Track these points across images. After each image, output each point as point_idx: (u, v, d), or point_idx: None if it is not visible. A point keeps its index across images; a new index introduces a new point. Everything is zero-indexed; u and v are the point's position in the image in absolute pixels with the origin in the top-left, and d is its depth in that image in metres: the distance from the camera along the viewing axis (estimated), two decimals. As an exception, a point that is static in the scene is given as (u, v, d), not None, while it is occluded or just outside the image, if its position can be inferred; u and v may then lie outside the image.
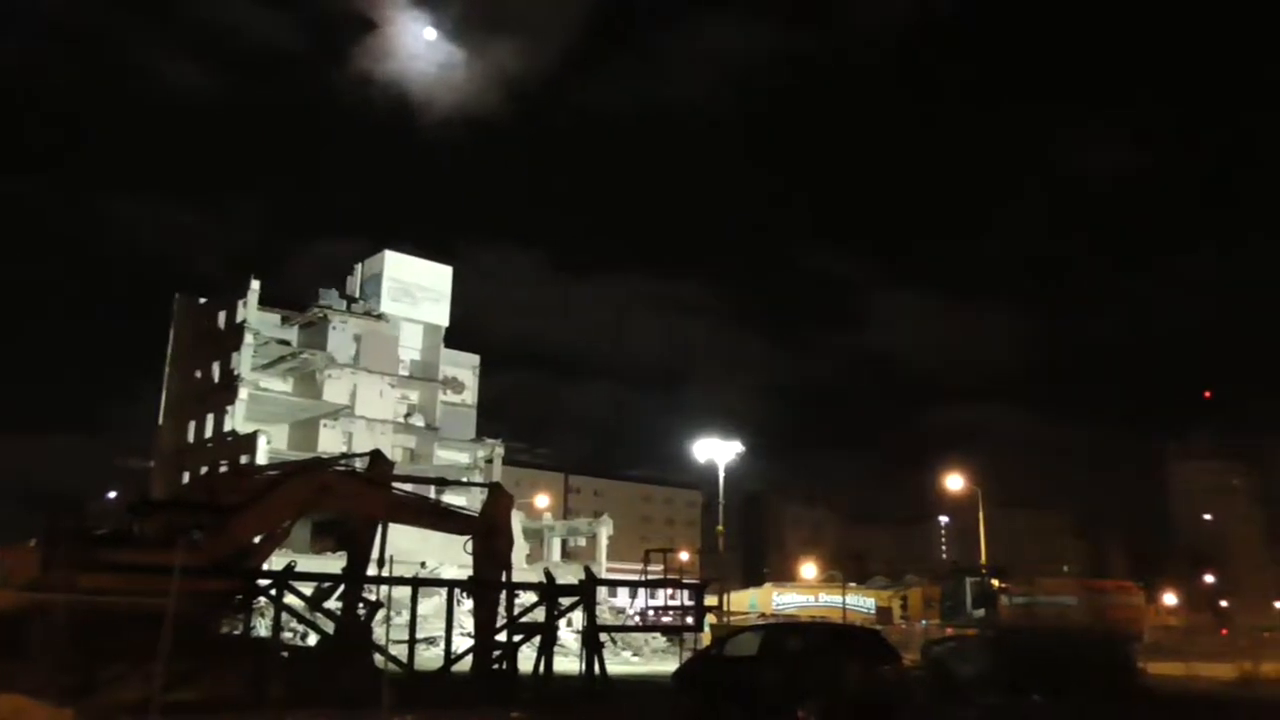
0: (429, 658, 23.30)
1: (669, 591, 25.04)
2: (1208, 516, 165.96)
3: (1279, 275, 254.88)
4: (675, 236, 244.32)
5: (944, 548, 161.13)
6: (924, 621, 39.96)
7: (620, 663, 32.90)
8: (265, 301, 57.58)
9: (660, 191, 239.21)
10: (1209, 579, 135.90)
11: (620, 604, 50.12)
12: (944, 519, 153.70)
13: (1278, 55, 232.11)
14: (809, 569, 75.76)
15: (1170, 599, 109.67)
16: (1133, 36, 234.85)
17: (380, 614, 19.26)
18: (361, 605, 19.38)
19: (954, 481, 55.42)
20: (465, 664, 19.56)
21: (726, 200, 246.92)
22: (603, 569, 54.06)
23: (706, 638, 27.77)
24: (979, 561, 49.71)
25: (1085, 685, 22.76)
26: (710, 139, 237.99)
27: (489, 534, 20.06)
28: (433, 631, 24.80)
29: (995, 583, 38.98)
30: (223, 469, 46.82)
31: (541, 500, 75.88)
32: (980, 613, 37.85)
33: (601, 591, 44.49)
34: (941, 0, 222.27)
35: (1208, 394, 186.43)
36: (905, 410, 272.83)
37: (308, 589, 18.45)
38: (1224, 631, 66.17)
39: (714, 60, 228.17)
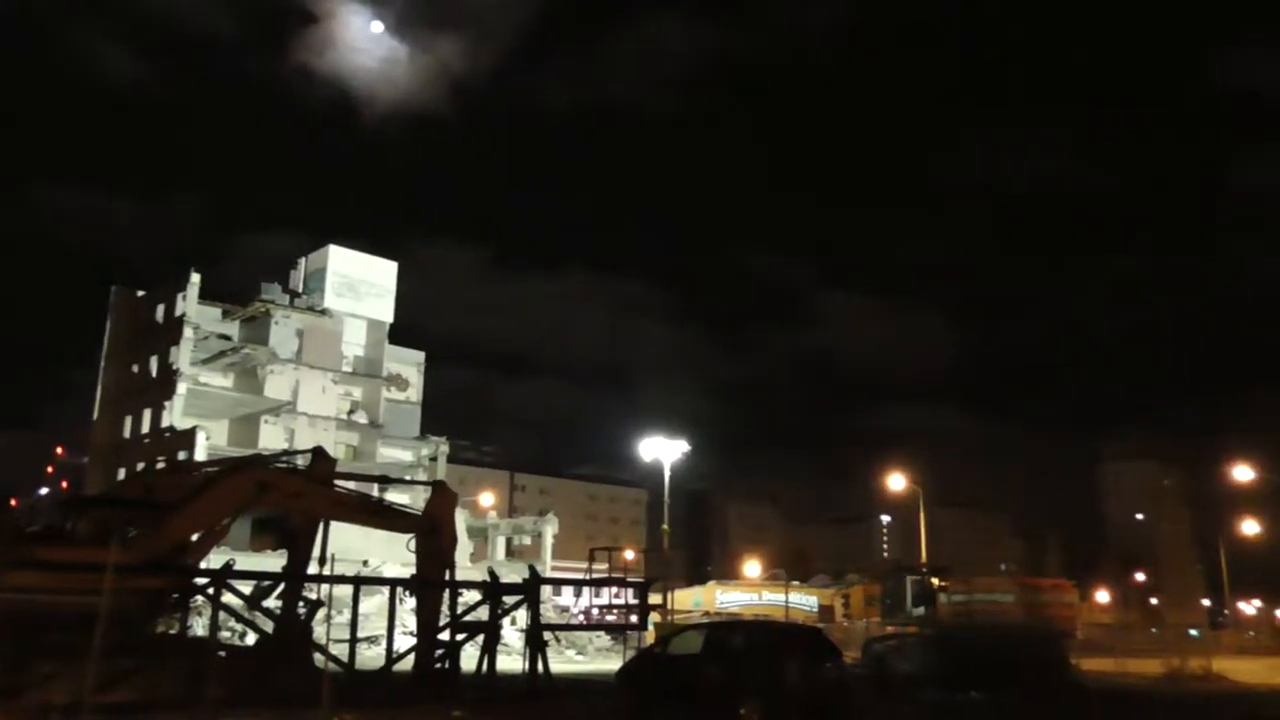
0: (370, 657, 23.06)
1: (614, 590, 25.03)
2: (1140, 516, 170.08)
3: (1208, 280, 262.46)
4: (621, 236, 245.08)
5: (885, 546, 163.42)
6: (865, 620, 40.39)
7: (564, 661, 32.87)
8: (205, 295, 56.54)
9: (605, 190, 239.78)
10: (1140, 577, 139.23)
11: (565, 603, 50.12)
12: (885, 518, 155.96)
13: (1204, 63, 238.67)
14: (753, 567, 76.23)
15: (1103, 597, 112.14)
16: (1065, 43, 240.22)
17: (321, 613, 19.04)
18: (302, 604, 19.13)
19: (895, 481, 56.03)
20: (407, 663, 19.38)
21: (671, 200, 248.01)
22: (548, 568, 53.95)
23: (650, 636, 27.83)
24: (919, 560, 50.38)
25: (1021, 681, 23.20)
26: (655, 138, 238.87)
27: (432, 532, 19.91)
28: (375, 630, 24.55)
29: (935, 581, 39.52)
30: (160, 465, 45.90)
31: (486, 499, 75.54)
32: (920, 611, 38.36)
33: (546, 590, 44.47)
34: (880, 6, 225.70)
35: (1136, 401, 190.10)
36: (847, 410, 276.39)
37: (247, 587, 18.15)
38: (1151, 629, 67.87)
39: (658, 60, 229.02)
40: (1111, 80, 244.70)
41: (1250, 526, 69.60)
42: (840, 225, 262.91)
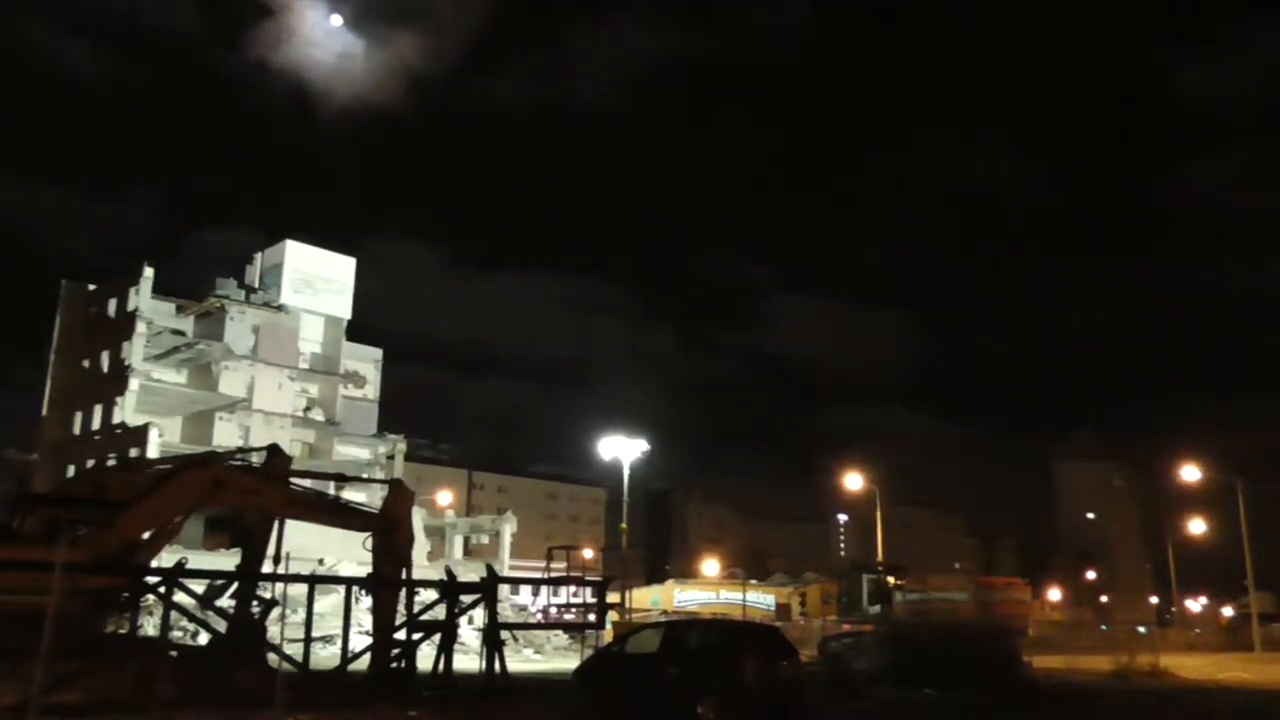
0: (326, 656, 22.86)
1: (572, 589, 25.03)
2: (1091, 515, 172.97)
3: (1158, 283, 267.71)
4: (581, 235, 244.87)
5: (843, 545, 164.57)
6: (822, 618, 40.70)
7: (522, 660, 32.79)
8: (159, 290, 55.70)
9: (566, 189, 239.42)
10: (1091, 575, 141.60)
11: (523, 601, 49.97)
12: (843, 517, 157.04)
13: (1153, 70, 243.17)
14: (711, 566, 76.51)
15: (1055, 595, 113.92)
16: (1018, 47, 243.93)
17: (275, 612, 18.82)
18: (256, 603, 18.91)
19: (853, 481, 56.54)
20: (363, 663, 19.24)
21: (631, 200, 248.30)
22: (506, 567, 53.82)
23: (609, 635, 27.86)
24: (876, 559, 50.94)
25: (974, 678, 23.52)
26: (615, 138, 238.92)
27: (389, 531, 19.76)
28: (330, 630, 24.35)
29: (891, 580, 40.05)
30: (111, 463, 45.19)
31: (444, 497, 75.14)
32: (876, 609, 38.86)
33: (504, 589, 44.31)
34: (837, 8, 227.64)
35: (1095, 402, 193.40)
36: (806, 410, 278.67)
37: (199, 586, 17.91)
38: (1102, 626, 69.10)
39: (618, 59, 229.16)
40: (1063, 85, 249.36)
41: (1197, 526, 71.02)
42: (799, 226, 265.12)
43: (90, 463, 49.29)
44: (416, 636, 19.88)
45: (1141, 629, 69.29)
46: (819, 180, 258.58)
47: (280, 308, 60.55)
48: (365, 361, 66.14)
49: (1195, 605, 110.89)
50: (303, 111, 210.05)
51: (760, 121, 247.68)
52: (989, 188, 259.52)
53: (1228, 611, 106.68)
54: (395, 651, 19.35)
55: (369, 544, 19.79)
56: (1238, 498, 55.80)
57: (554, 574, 25.29)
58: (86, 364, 57.02)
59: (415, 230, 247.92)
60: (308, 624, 19.33)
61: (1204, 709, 23.77)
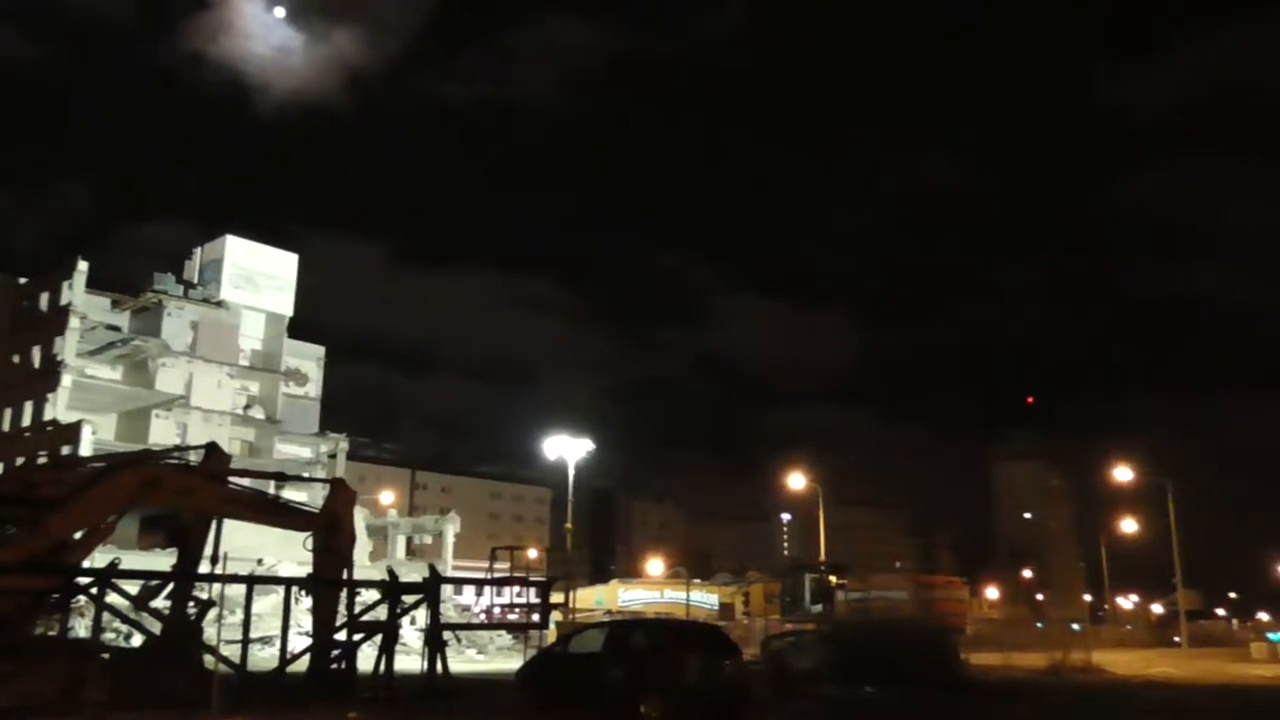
0: (264, 658, 22.54)
1: (515, 589, 24.92)
2: (1028, 515, 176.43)
3: (1094, 287, 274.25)
4: (525, 234, 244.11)
5: (786, 544, 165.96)
6: (765, 617, 40.98)
7: (464, 661, 32.60)
8: (94, 284, 54.45)
9: (508, 188, 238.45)
10: (1027, 574, 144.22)
11: (466, 602, 49.72)
12: (786, 516, 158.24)
13: (1090, 79, 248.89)
14: (656, 566, 76.62)
15: (992, 593, 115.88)
16: (964, 56, 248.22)
17: (212, 613, 18.51)
18: (192, 604, 18.59)
19: (796, 480, 57.08)
20: (303, 665, 19.00)
21: (576, 199, 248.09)
22: (449, 567, 53.46)
23: (552, 635, 27.78)
24: (818, 558, 51.45)
25: (913, 676, 23.85)
26: (560, 137, 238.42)
27: (330, 530, 19.55)
28: (269, 631, 24.00)
29: (833, 579, 40.43)
30: (41, 460, 44.08)
31: (387, 497, 74.46)
32: (818, 608, 39.21)
33: (447, 589, 43.98)
34: (780, 10, 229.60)
35: (1030, 399, 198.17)
36: (750, 410, 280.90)
37: (134, 587, 17.55)
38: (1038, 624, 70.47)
39: (561, 57, 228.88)
40: (1003, 91, 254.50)
41: (1129, 525, 72.74)
42: (744, 227, 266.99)
43: (20, 460, 48.00)
44: (357, 637, 19.69)
45: (1075, 626, 70.76)
46: (763, 181, 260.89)
47: (220, 303, 59.55)
48: (307, 359, 65.24)
49: (1127, 602, 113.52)
50: (240, 105, 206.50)
51: (704, 122, 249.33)
52: (930, 190, 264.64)
53: (1157, 609, 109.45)
54: (335, 652, 19.16)
55: (309, 544, 19.59)
56: (1168, 497, 57.34)
57: (497, 574, 25.14)
58: (17, 359, 55.54)
59: (357, 227, 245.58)
60: (245, 625, 19.03)
61: (1132, 704, 24.37)
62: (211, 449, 19.38)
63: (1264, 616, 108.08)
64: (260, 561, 35.64)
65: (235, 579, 18.65)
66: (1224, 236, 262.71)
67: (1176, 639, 67.16)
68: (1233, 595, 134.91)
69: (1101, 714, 21.64)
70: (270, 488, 22.23)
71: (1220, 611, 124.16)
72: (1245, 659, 50.79)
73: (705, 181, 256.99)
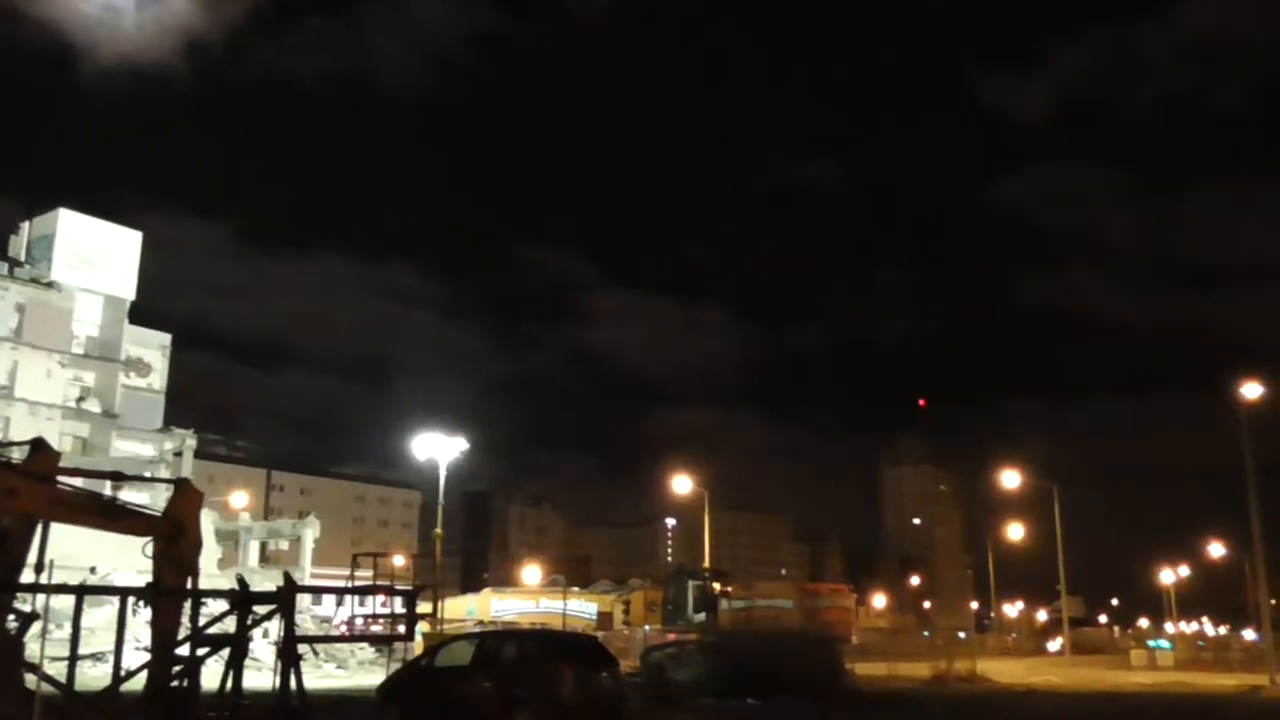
0: (95, 676, 21.73)
1: (380, 599, 24.58)
2: (917, 521, 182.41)
3: (974, 292, 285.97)
4: (383, 218, 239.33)
5: (670, 550, 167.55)
6: (646, 627, 41.35)
7: (322, 676, 32.03)
8: (-98, 260, 51.39)
9: (365, 169, 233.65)
10: (915, 581, 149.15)
11: (325, 613, 48.73)
12: (670, 521, 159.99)
13: (967, 83, 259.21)
14: (533, 573, 76.39)
15: (880, 601, 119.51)
16: (848, 60, 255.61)
17: (36, 627, 17.73)
18: (13, 616, 17.75)
19: (681, 484, 57.67)
20: (139, 682, 18.37)
21: (439, 184, 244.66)
22: (307, 575, 52.37)
23: (419, 648, 27.49)
24: (702, 565, 52.10)
25: (797, 687, 24.44)
26: (421, 117, 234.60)
27: (173, 535, 18.91)
28: (102, 646, 23.15)
29: (717, 586, 41.00)
30: None
31: (239, 499, 72.44)
32: (701, 617, 39.74)
33: (304, 599, 42.98)
34: (661, 9, 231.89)
35: (922, 401, 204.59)
36: (631, 411, 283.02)
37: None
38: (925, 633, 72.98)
39: (421, 33, 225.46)
40: (884, 96, 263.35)
41: (1016, 531, 75.89)
42: (621, 222, 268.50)
43: None
44: (201, 652, 19.16)
45: (961, 634, 73.53)
46: (640, 175, 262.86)
47: (51, 284, 56.90)
48: (151, 348, 62.85)
49: (1012, 610, 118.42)
50: (63, 70, 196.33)
51: (579, 111, 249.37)
52: (809, 192, 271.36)
53: (1042, 616, 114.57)
54: (177, 669, 18.59)
55: (149, 550, 18.97)
56: (1053, 505, 60.08)
57: (359, 582, 24.75)
58: None
59: (200, 207, 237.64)
60: (74, 640, 18.29)
61: (1012, 713, 25.47)
62: (37, 445, 18.52)
63: (1144, 623, 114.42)
64: (93, 570, 34.37)
65: (63, 589, 17.97)
66: (1094, 245, 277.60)
67: (1055, 643, 70.46)
68: (1115, 602, 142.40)
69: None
70: (106, 489, 21.39)
71: (1103, 619, 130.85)
72: (1125, 666, 53.79)
73: (580, 173, 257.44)
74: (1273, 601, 58.61)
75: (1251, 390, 38.17)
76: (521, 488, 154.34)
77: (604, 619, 46.76)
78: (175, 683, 18.52)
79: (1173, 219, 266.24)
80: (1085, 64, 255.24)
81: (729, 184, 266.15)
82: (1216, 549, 77.43)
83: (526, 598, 53.04)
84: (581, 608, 48.52)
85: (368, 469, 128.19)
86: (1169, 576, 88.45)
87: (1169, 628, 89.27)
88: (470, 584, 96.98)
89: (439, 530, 40.08)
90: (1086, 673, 45.69)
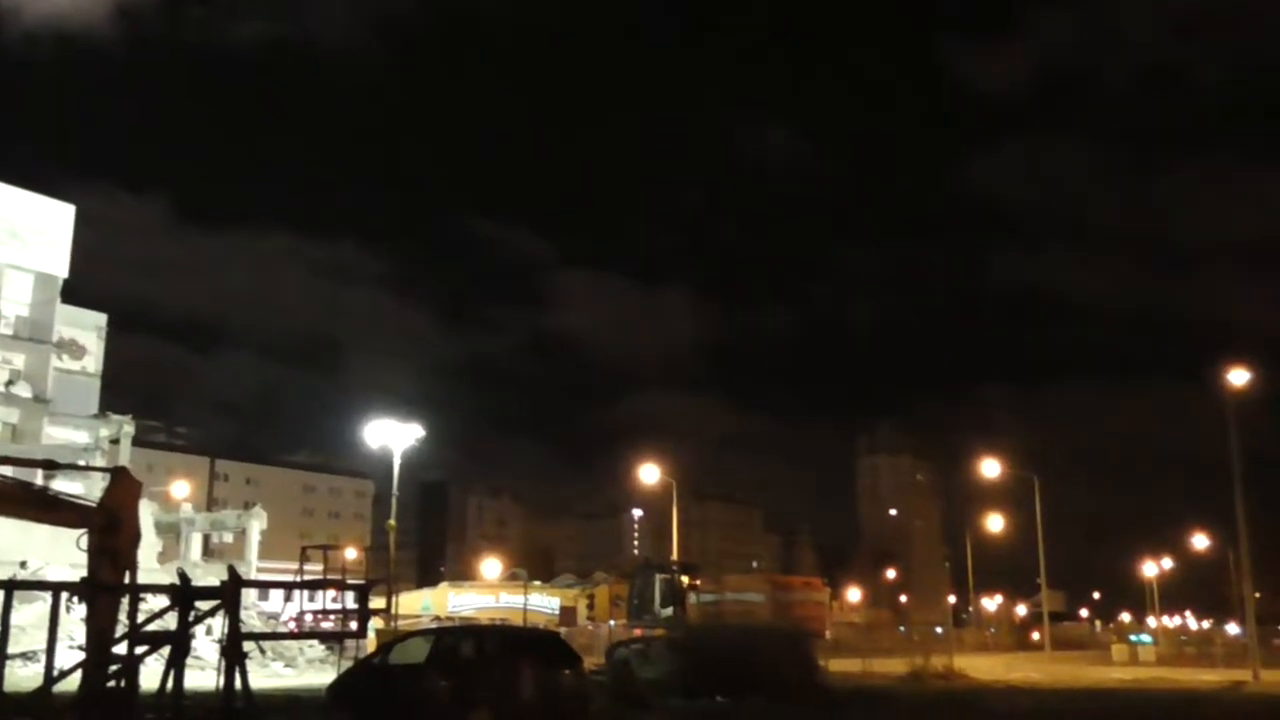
0: (26, 677, 21.54)
1: (331, 594, 24.50)
2: (893, 512, 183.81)
3: (950, 275, 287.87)
4: (326, 192, 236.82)
5: (636, 543, 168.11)
6: (611, 622, 41.52)
7: (269, 675, 31.89)
8: None
9: (307, 139, 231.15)
10: (891, 575, 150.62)
11: (273, 609, 48.45)
12: (637, 513, 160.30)
13: (939, 59, 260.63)
14: (492, 567, 76.51)
15: (854, 595, 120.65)
16: (818, 33, 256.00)
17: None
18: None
19: (648, 474, 57.78)
20: (73, 682, 18.22)
21: (383, 155, 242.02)
22: (253, 569, 52.10)
23: (372, 645, 27.44)
24: (670, 558, 52.34)
25: (767, 685, 24.60)
26: (362, 84, 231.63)
27: (109, 527, 18.73)
28: (33, 645, 22.95)
29: (685, 580, 41.17)
30: None
31: (180, 489, 71.86)
32: (669, 612, 39.88)
33: (250, 594, 42.73)
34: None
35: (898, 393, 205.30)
36: (595, 397, 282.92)
37: None
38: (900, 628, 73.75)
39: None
40: (856, 71, 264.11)
41: (995, 523, 76.73)
42: (580, 198, 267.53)
43: None
44: (140, 650, 19.03)
45: (938, 630, 74.39)
46: (601, 151, 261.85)
47: (-23, 260, 56.02)
48: (85, 329, 62.04)
49: (991, 604, 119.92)
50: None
51: (535, 81, 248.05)
52: (776, 169, 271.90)
53: (1021, 610, 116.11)
54: (113, 669, 18.46)
55: (84, 543, 18.80)
56: (1034, 496, 60.81)
57: (309, 577, 24.65)
58: None
59: (131, 181, 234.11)
60: (2, 638, 18.14)
61: (990, 711, 25.80)
62: (-36, 432, 18.31)
63: (1126, 617, 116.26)
64: (24, 564, 34.03)
65: (-9, 585, 17.82)
66: (1071, 224, 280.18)
67: (1035, 636, 71.51)
68: (1096, 596, 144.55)
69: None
70: (38, 478, 21.14)
71: (1084, 613, 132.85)
72: (1107, 661, 54.63)
73: (536, 146, 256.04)
74: (1258, 595, 59.77)
75: (1238, 377, 38.09)
76: (480, 477, 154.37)
77: (567, 614, 46.95)
78: (112, 683, 18.39)
79: (1154, 197, 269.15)
80: (1065, 34, 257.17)
81: (693, 159, 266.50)
82: (1200, 541, 78.64)
83: (485, 592, 53.16)
84: (543, 602, 48.67)
85: (317, 457, 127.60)
86: (1151, 569, 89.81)
87: (1151, 622, 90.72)
88: (426, 578, 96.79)
89: (393, 522, 39.88)
90: (1067, 669, 46.36)
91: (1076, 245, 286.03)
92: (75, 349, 60.87)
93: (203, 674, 21.31)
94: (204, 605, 20.30)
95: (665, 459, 60.68)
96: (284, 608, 41.11)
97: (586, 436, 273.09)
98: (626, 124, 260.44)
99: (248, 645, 20.77)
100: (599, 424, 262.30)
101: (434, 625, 34.31)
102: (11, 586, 18.44)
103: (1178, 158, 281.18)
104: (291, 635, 34.85)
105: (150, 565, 38.68)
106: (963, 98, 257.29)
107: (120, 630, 19.11)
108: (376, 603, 31.28)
